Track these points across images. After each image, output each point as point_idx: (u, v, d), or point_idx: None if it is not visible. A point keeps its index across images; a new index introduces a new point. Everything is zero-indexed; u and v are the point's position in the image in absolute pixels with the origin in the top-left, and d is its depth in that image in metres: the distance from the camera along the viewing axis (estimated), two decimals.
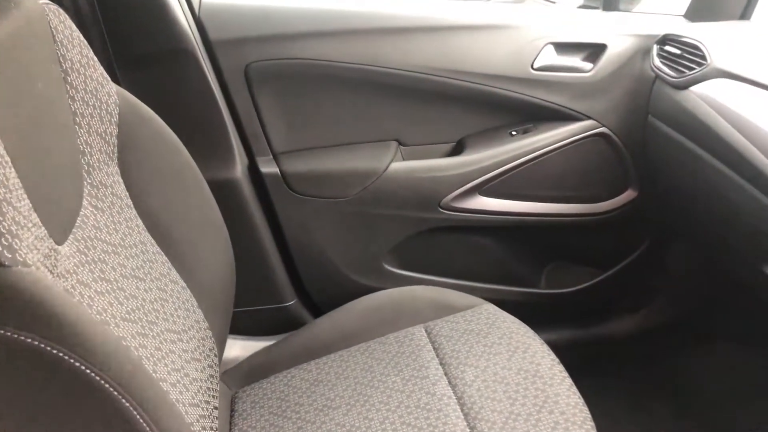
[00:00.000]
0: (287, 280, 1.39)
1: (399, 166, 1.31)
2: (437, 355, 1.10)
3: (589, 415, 0.97)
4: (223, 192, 1.18)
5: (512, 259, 1.55)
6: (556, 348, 1.61)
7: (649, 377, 1.66)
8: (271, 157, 1.27)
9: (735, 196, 1.09)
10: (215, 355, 0.96)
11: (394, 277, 1.44)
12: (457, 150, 1.37)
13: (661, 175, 1.39)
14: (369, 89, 1.25)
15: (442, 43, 1.23)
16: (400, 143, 1.35)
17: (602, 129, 1.36)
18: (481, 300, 1.23)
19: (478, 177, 1.34)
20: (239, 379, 1.15)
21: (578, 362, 1.66)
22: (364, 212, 1.32)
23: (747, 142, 1.01)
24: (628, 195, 1.46)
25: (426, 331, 1.17)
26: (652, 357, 1.69)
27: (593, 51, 1.32)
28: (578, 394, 1.00)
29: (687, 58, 1.21)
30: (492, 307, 1.20)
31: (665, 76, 1.25)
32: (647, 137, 1.36)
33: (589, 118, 1.34)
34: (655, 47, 1.31)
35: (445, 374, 1.06)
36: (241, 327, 1.39)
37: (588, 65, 1.31)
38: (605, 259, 1.60)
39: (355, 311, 1.23)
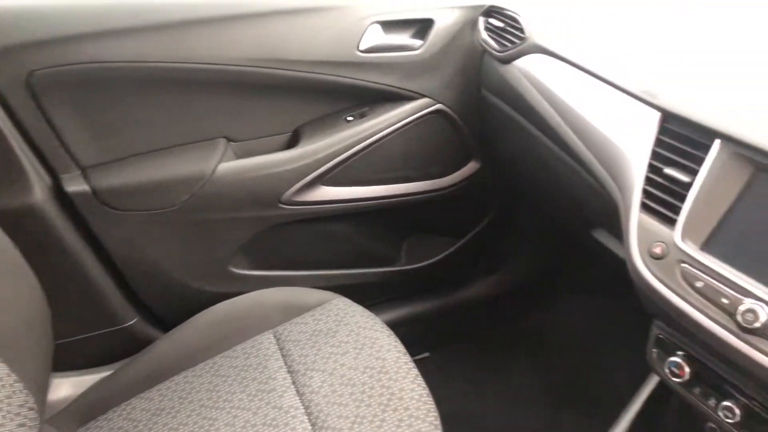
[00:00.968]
0: (123, 300, 1.28)
1: (230, 165, 1.22)
2: (285, 363, 1.07)
3: (433, 406, 0.98)
4: (24, 221, 1.05)
5: (368, 241, 1.53)
6: (419, 320, 1.66)
7: (508, 337, 1.74)
8: (80, 172, 1.14)
9: (556, 165, 1.12)
10: (30, 408, 0.86)
11: (245, 279, 1.38)
12: (294, 140, 1.30)
13: (498, 145, 1.42)
14: (182, 87, 1.14)
15: (257, 31, 1.14)
16: (229, 140, 1.26)
17: (438, 106, 1.34)
18: (331, 294, 1.20)
19: (318, 168, 1.29)
20: (73, 420, 1.06)
21: (441, 331, 1.73)
22: (197, 219, 1.23)
23: (559, 117, 1.03)
24: (472, 167, 1.47)
25: (275, 337, 1.12)
26: (509, 317, 1.77)
27: (421, 27, 1.28)
28: (423, 384, 1.01)
29: (509, 31, 1.21)
30: (342, 302, 1.18)
31: (491, 50, 1.25)
32: (482, 110, 1.37)
33: (423, 96, 1.32)
34: (481, 20, 1.31)
35: (293, 383, 1.03)
36: (78, 358, 1.28)
37: (417, 42, 1.28)
38: (459, 229, 1.63)
39: (198, 326, 1.16)
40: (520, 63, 1.17)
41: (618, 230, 0.85)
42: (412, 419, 0.94)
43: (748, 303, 0.66)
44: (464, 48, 1.32)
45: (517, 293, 1.73)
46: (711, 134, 0.75)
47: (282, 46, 1.17)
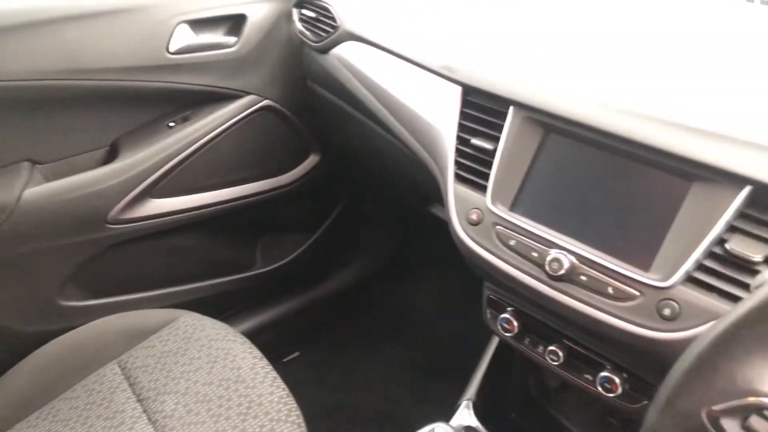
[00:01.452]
0: None
1: (39, 190, 1.10)
2: (134, 392, 0.99)
3: (295, 406, 0.97)
4: None
5: (217, 250, 1.47)
6: (285, 321, 1.64)
7: (373, 321, 1.77)
8: None
9: (385, 148, 1.15)
10: None
11: (80, 311, 1.26)
12: (113, 154, 1.21)
13: (333, 136, 1.43)
14: None
15: (45, 41, 1.04)
16: (34, 162, 1.14)
17: (266, 102, 1.32)
18: (178, 312, 1.14)
19: (143, 180, 1.21)
20: None
21: (308, 327, 1.72)
22: (9, 255, 1.11)
23: (376, 101, 1.05)
24: (312, 161, 1.47)
25: (120, 367, 1.04)
26: (372, 302, 1.80)
27: (234, 23, 1.25)
28: (282, 386, 0.99)
29: (322, 21, 1.21)
30: (190, 318, 1.12)
31: (308, 41, 1.25)
32: (311, 102, 1.36)
33: (248, 93, 1.29)
34: (295, 11, 1.29)
35: (144, 411, 0.96)
36: None
37: (231, 39, 1.24)
38: (310, 224, 1.62)
39: (27, 371, 1.04)
40: (336, 51, 1.18)
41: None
42: (274, 423, 0.92)
43: (553, 253, 0.72)
44: (283, 41, 1.30)
45: (376, 278, 1.76)
46: (505, 102, 0.80)
47: (76, 54, 1.07)
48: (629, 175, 0.71)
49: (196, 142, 1.25)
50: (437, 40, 0.96)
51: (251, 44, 1.26)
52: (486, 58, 0.87)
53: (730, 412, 0.40)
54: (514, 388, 1.06)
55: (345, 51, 1.15)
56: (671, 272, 0.64)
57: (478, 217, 0.80)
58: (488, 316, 0.88)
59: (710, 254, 0.63)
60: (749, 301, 0.40)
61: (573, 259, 0.71)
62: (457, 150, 0.85)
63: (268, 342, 1.60)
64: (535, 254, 0.74)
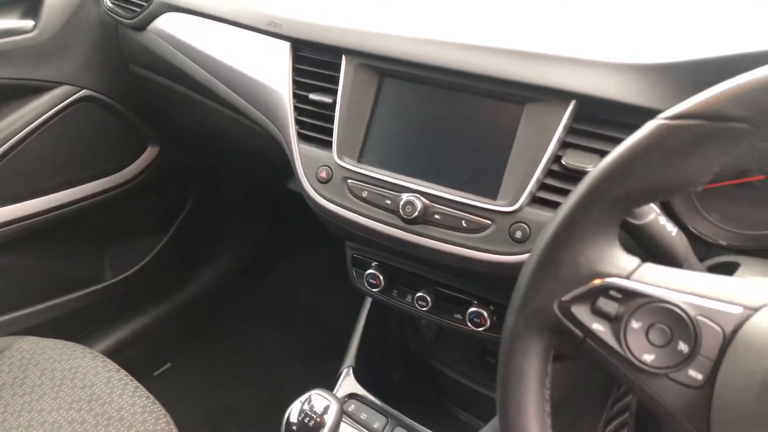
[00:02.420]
0: None
1: None
2: None
3: (163, 413, 0.88)
4: None
5: (59, 264, 1.31)
6: (149, 333, 1.50)
7: (248, 312, 1.68)
8: None
9: (227, 125, 1.07)
10: None
11: None
12: None
13: (169, 122, 1.32)
14: None
15: None
16: None
17: (84, 92, 1.18)
18: (12, 339, 0.99)
19: None
20: None
21: (177, 335, 1.59)
22: None
23: (207, 73, 0.97)
24: (150, 153, 1.35)
25: None
26: (243, 293, 1.71)
27: (29, 6, 1.09)
28: (145, 394, 0.90)
29: None
30: (26, 343, 0.97)
31: (121, 19, 1.13)
32: (138, 88, 1.24)
33: (60, 84, 1.14)
34: None
35: None
36: None
37: (29, 23, 1.09)
38: (161, 224, 1.49)
39: None
40: (155, 26, 1.07)
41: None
42: None
43: (405, 197, 0.71)
44: (93, 22, 1.17)
45: (244, 270, 1.68)
46: (337, 52, 0.77)
47: None
48: (465, 108, 0.71)
49: (4, 143, 1.09)
50: None
51: (54, 28, 1.11)
52: (311, 9, 0.83)
53: (579, 299, 0.40)
54: (394, 349, 1.05)
55: (164, 24, 1.05)
56: (517, 196, 0.65)
57: (327, 174, 0.77)
58: (354, 274, 0.86)
59: (549, 172, 0.65)
60: (575, 192, 0.41)
61: (425, 200, 0.70)
62: (296, 108, 0.81)
63: (134, 358, 1.46)
64: (388, 201, 0.72)
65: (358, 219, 0.75)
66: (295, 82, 0.81)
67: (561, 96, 0.64)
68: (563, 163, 0.63)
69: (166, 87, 1.15)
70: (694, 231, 0.61)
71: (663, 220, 0.49)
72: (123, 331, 1.47)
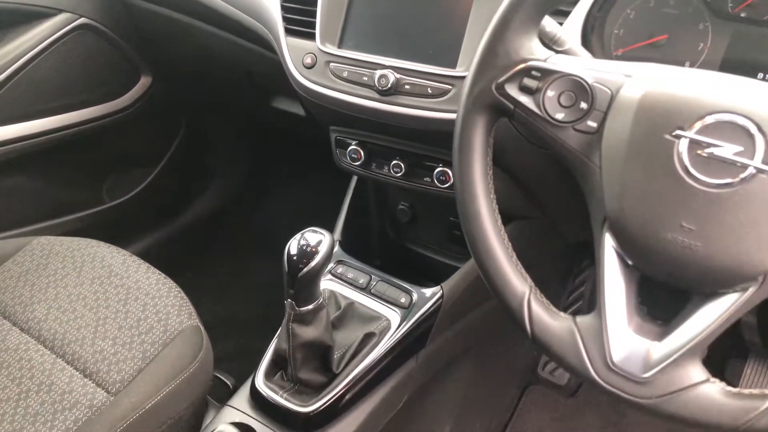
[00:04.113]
0: None
1: None
2: None
3: (174, 285, 1.00)
4: None
5: (59, 187, 1.41)
6: (143, 257, 1.61)
7: (239, 244, 1.79)
8: None
9: (218, 46, 1.19)
10: None
11: None
12: None
13: (163, 52, 1.42)
14: None
15: None
16: None
17: (82, 20, 1.27)
18: (29, 238, 1.10)
19: None
20: None
21: (171, 260, 1.70)
22: None
23: None
24: (144, 83, 1.45)
25: None
26: (234, 226, 1.82)
27: None
28: (158, 272, 1.02)
29: None
30: (45, 239, 1.09)
31: None
32: (134, 18, 1.34)
33: (60, 11, 1.24)
34: None
35: (14, 324, 0.94)
36: None
37: None
38: (156, 152, 1.60)
39: None
40: None
41: (288, 89, 0.95)
42: (156, 299, 0.96)
43: (379, 72, 0.84)
44: None
45: (234, 202, 1.79)
46: None
47: None
48: None
49: (8, 67, 1.19)
50: None
51: None
52: None
53: (510, 79, 0.54)
54: (373, 237, 1.18)
55: None
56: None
57: (312, 59, 0.89)
58: (338, 154, 0.99)
59: None
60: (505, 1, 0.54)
61: (396, 73, 0.83)
62: (283, 7, 0.93)
63: None
64: (365, 78, 0.85)
65: (340, 96, 0.87)
66: None
67: None
68: None
69: (159, 14, 1.26)
70: None
71: (578, 48, 0.63)
72: None
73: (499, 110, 0.55)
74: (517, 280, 0.54)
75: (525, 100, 0.54)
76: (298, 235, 0.79)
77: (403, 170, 0.93)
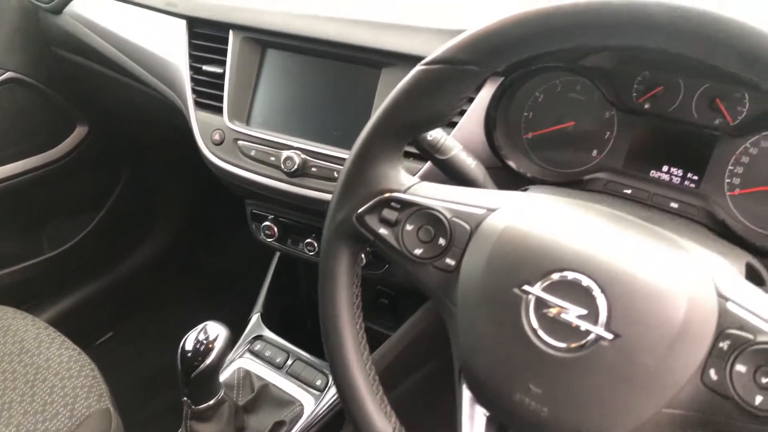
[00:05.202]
0: None
1: None
2: None
3: (88, 361, 0.97)
4: None
5: None
6: (89, 304, 1.57)
7: (186, 286, 1.76)
8: None
9: (144, 101, 1.15)
10: None
11: None
12: None
13: (97, 101, 1.38)
14: None
15: None
16: None
17: (9, 74, 1.24)
18: None
19: None
20: None
21: (119, 307, 1.66)
22: None
23: (118, 52, 1.05)
24: (80, 132, 1.41)
25: None
26: (181, 268, 1.78)
27: None
28: (72, 347, 0.98)
29: None
30: None
31: (39, 3, 1.19)
32: (63, 70, 1.31)
33: None
34: None
35: None
36: None
37: None
38: (98, 199, 1.56)
39: None
40: (70, 8, 1.14)
41: None
42: (65, 381, 0.92)
43: (285, 154, 0.81)
44: (14, 6, 1.23)
45: (179, 244, 1.76)
46: (225, 27, 0.87)
47: None
48: (335, 74, 0.81)
49: None
50: None
51: None
52: None
53: (370, 210, 0.51)
54: (304, 299, 1.15)
55: (78, 6, 1.13)
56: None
57: (221, 136, 0.86)
58: (254, 228, 0.96)
59: None
60: (365, 128, 0.51)
61: (303, 155, 0.80)
62: (192, 79, 0.90)
63: (75, 328, 1.54)
64: (272, 158, 0.83)
65: (247, 175, 0.85)
66: (191, 56, 0.90)
67: (414, 61, 0.74)
68: None
69: (86, 67, 1.23)
70: (514, 168, 0.73)
71: (464, 155, 0.61)
72: (64, 303, 1.55)
73: (362, 240, 0.52)
74: (380, 420, 0.51)
75: (384, 232, 0.51)
76: (193, 331, 0.76)
77: (317, 249, 0.90)
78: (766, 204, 0.65)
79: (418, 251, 0.50)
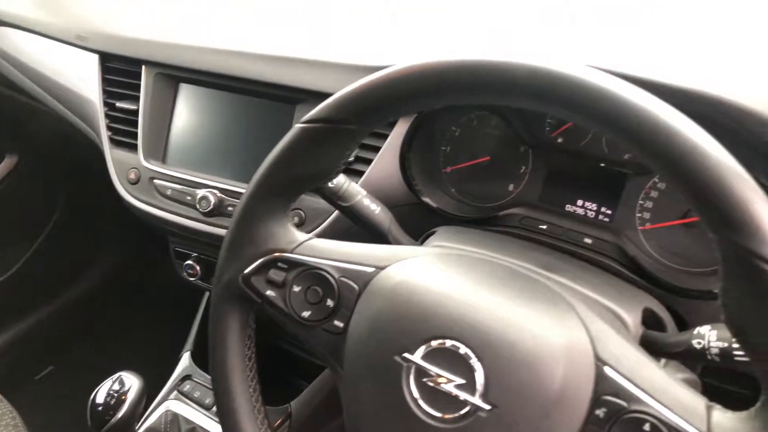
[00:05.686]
0: None
1: None
2: None
3: (9, 407, 0.93)
4: None
5: None
6: (30, 338, 1.51)
7: (129, 315, 1.70)
8: None
9: (70, 132, 1.11)
10: None
11: None
12: None
13: (23, 130, 1.33)
14: None
15: None
16: None
17: None
18: None
19: None
20: None
21: (58, 339, 1.60)
22: None
23: (35, 86, 1.01)
24: (8, 163, 1.36)
25: None
26: (123, 296, 1.73)
27: None
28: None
29: None
30: None
31: None
32: None
33: None
34: None
35: None
36: None
37: None
38: (34, 229, 1.51)
39: None
40: None
41: None
42: None
43: (200, 193, 0.78)
44: None
45: (123, 271, 1.71)
46: (137, 62, 0.84)
47: None
48: (249, 110, 0.79)
49: None
50: (69, 11, 0.95)
51: None
52: (117, 23, 0.89)
53: (256, 272, 0.49)
54: None
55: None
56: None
57: (136, 175, 0.83)
58: (177, 265, 0.93)
59: None
60: (248, 186, 0.49)
61: (219, 194, 0.78)
62: (107, 115, 0.87)
63: (15, 363, 1.48)
64: (188, 198, 0.80)
65: (164, 215, 0.82)
66: (104, 92, 0.87)
67: (324, 98, 0.72)
68: None
69: (11, 98, 1.18)
70: (430, 204, 0.71)
71: (367, 201, 0.59)
72: (2, 337, 1.49)
73: (250, 302, 0.50)
74: None
75: (271, 294, 0.49)
76: (107, 380, 0.73)
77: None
78: (676, 238, 0.65)
79: (306, 314, 0.48)
